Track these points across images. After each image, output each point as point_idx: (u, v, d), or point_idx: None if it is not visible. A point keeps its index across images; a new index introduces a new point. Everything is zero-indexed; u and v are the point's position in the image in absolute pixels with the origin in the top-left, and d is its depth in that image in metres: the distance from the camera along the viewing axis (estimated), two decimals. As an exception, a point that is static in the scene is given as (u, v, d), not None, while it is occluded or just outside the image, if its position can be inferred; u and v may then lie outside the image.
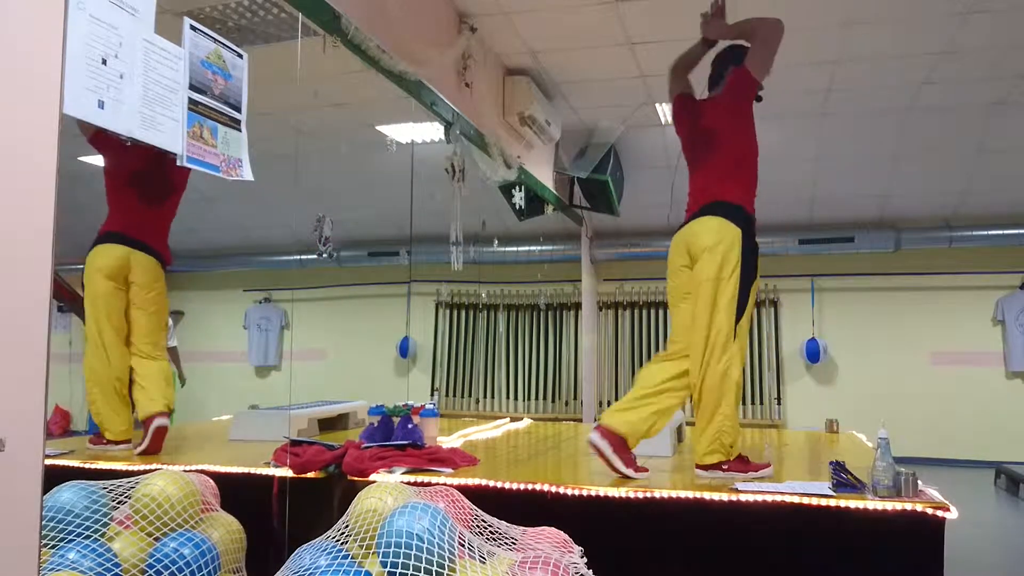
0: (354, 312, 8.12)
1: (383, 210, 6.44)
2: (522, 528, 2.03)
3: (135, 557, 2.03)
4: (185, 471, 2.42)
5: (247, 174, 2.06)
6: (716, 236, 3.09)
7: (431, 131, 4.89)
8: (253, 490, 2.89)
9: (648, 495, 2.68)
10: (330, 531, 1.91)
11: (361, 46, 3.30)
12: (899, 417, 6.76)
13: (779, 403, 8.00)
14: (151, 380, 3.60)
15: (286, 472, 2.92)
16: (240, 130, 2.05)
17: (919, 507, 2.43)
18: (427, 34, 4.03)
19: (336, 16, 3.12)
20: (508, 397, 8.41)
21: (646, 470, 3.05)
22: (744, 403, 7.58)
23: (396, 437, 3.39)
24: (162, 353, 3.74)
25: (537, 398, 8.35)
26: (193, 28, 1.91)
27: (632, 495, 2.69)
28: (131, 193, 3.70)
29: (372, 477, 2.88)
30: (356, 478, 2.93)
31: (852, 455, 3.52)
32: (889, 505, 2.46)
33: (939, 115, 5.76)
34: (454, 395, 8.44)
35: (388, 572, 1.72)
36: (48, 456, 1.48)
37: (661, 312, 8.26)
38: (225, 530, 2.23)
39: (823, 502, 2.52)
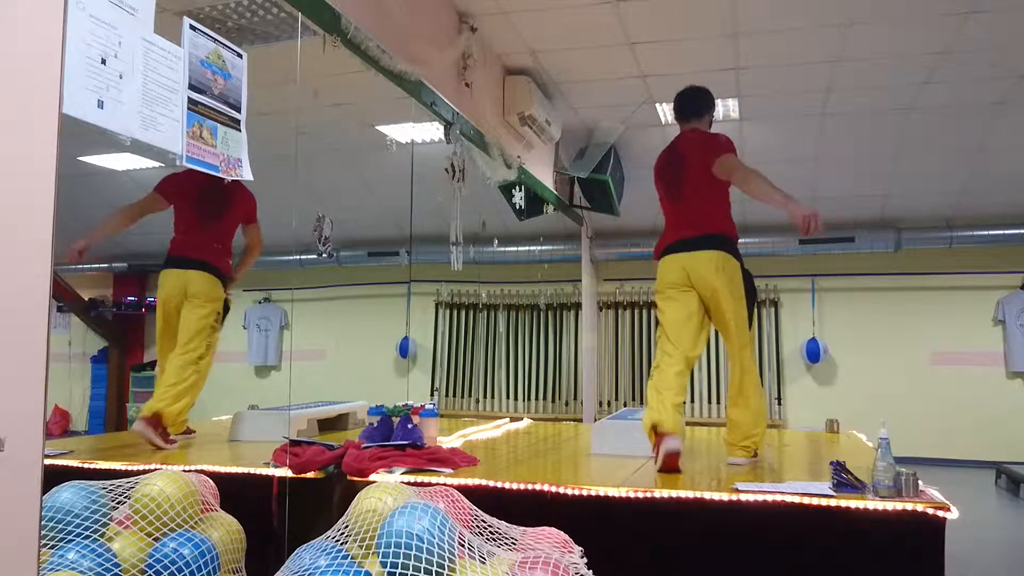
0: (354, 312, 8.10)
1: (383, 210, 6.43)
2: (522, 528, 2.03)
3: (135, 557, 2.03)
4: (184, 471, 2.42)
5: (247, 174, 2.06)
6: None
7: (431, 131, 4.89)
8: (253, 490, 2.89)
9: (648, 495, 2.67)
10: (330, 531, 1.91)
11: (361, 46, 3.30)
12: (899, 417, 6.75)
13: (779, 403, 8.00)
14: None
15: (286, 472, 2.92)
16: (240, 130, 2.05)
17: (920, 507, 2.43)
18: (427, 34, 4.03)
19: (336, 16, 3.12)
20: (508, 397, 8.40)
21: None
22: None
23: (396, 437, 3.38)
24: None
25: (537, 398, 8.34)
26: (193, 28, 1.91)
27: (632, 495, 2.69)
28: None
29: (372, 477, 2.87)
30: (356, 478, 2.93)
31: (852, 455, 3.52)
32: (890, 505, 2.46)
33: (939, 115, 5.76)
34: (454, 395, 8.44)
35: (388, 572, 1.72)
36: (48, 456, 1.47)
37: (661, 312, 8.25)
38: (225, 530, 2.23)
39: (823, 502, 2.52)
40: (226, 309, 4.06)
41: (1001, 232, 7.27)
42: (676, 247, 3.48)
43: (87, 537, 2.00)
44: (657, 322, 3.60)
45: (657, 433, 3.22)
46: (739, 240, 3.60)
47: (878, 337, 7.85)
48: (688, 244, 3.44)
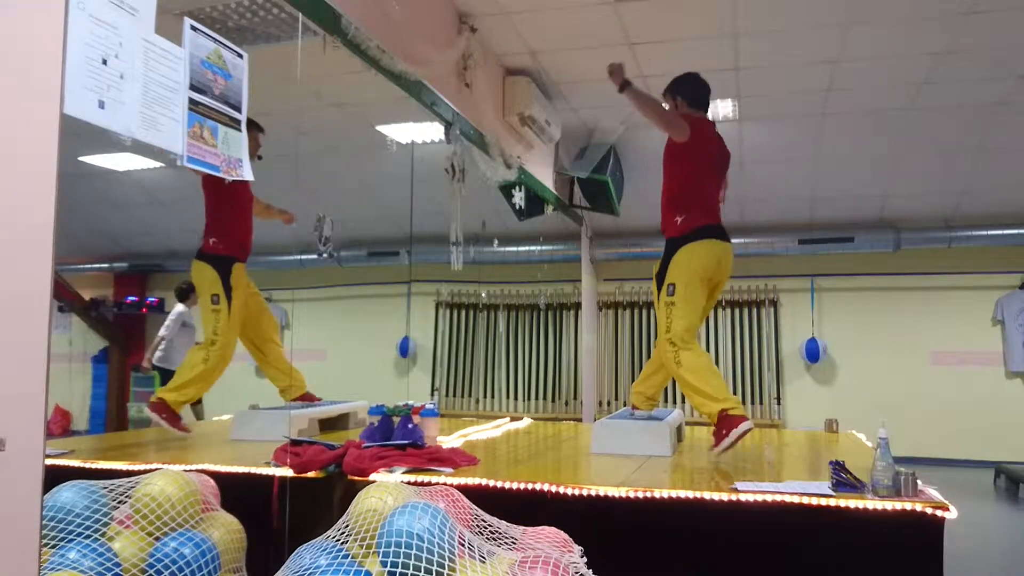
0: (354, 312, 8.11)
1: (383, 210, 6.44)
2: (522, 528, 2.03)
3: (135, 557, 2.03)
4: (185, 471, 2.43)
5: (247, 174, 2.06)
6: None
7: (431, 131, 4.90)
8: (253, 490, 2.89)
9: (648, 495, 2.68)
10: (330, 531, 1.91)
11: (361, 46, 3.30)
12: (899, 417, 6.76)
13: (779, 403, 8.00)
14: None
15: (286, 472, 2.92)
16: (240, 130, 2.05)
17: (919, 507, 2.43)
18: (427, 34, 4.03)
19: (336, 16, 3.12)
20: (508, 397, 8.41)
21: None
22: (744, 403, 7.59)
23: (396, 437, 3.39)
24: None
25: (537, 398, 8.35)
26: (193, 28, 1.91)
27: (632, 495, 2.69)
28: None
29: (372, 477, 2.88)
30: (356, 478, 2.93)
31: (852, 455, 3.52)
32: (889, 505, 2.46)
33: (939, 115, 5.76)
34: (454, 395, 8.44)
35: (388, 572, 1.72)
36: (48, 456, 1.48)
37: (661, 312, 8.26)
38: (225, 530, 2.23)
39: (823, 502, 2.52)
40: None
41: (1000, 232, 7.28)
42: (715, 232, 3.57)
43: (88, 537, 2.00)
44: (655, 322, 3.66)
45: (730, 416, 3.35)
46: (738, 240, 3.67)
47: (877, 337, 7.86)
48: (723, 232, 3.58)
